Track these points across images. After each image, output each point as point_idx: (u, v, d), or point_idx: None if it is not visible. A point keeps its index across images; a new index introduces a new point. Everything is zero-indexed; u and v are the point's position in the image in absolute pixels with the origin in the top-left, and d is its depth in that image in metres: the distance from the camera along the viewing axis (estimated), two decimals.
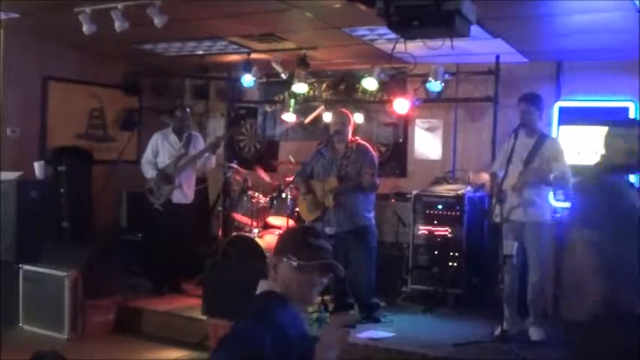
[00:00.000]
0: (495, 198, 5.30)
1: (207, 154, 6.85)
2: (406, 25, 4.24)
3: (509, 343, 5.13)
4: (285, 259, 2.23)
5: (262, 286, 2.28)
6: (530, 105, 5.38)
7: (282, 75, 7.33)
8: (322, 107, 7.64)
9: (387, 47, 6.13)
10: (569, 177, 5.37)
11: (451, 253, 6.41)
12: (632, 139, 3.50)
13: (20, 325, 6.27)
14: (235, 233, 6.79)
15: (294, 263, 2.20)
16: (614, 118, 6.39)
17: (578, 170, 5.28)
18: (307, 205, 6.04)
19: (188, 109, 7.17)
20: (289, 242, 2.29)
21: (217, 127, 8.72)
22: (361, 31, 5.95)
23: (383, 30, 5.60)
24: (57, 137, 7.53)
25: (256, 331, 2.05)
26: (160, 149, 6.87)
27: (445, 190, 6.68)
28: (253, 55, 7.21)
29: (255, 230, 6.67)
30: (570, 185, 5.48)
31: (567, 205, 6.35)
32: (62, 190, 7.07)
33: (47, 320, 6.12)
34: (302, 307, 2.28)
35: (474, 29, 4.66)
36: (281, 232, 6.37)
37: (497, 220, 5.30)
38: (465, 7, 4.11)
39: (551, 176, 5.34)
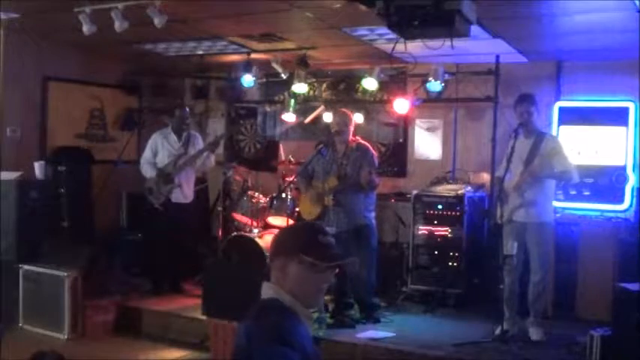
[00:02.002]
0: (498, 199, 5.30)
1: (206, 153, 6.85)
2: (406, 25, 4.24)
3: (509, 343, 5.13)
4: (297, 260, 2.06)
5: (267, 292, 2.11)
6: (531, 105, 5.38)
7: (282, 75, 7.31)
8: (322, 107, 7.64)
9: (387, 47, 6.13)
10: (574, 171, 5.36)
11: (451, 253, 6.42)
12: None
13: (20, 325, 6.27)
14: (235, 233, 6.78)
15: (313, 263, 2.04)
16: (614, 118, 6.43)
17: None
18: (307, 204, 6.04)
19: (187, 109, 7.16)
20: (299, 241, 2.11)
21: (217, 127, 8.73)
22: (361, 31, 5.95)
23: (383, 30, 5.60)
24: (57, 137, 7.53)
25: (289, 356, 1.92)
26: (160, 149, 6.87)
27: (445, 190, 6.68)
28: (253, 55, 7.20)
29: (255, 230, 6.67)
30: (575, 180, 5.47)
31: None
32: (62, 190, 7.06)
33: (47, 320, 6.11)
34: (308, 312, 2.12)
35: (474, 29, 4.67)
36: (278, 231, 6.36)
37: (501, 221, 5.30)
38: (464, 7, 4.11)
39: (554, 172, 5.34)
